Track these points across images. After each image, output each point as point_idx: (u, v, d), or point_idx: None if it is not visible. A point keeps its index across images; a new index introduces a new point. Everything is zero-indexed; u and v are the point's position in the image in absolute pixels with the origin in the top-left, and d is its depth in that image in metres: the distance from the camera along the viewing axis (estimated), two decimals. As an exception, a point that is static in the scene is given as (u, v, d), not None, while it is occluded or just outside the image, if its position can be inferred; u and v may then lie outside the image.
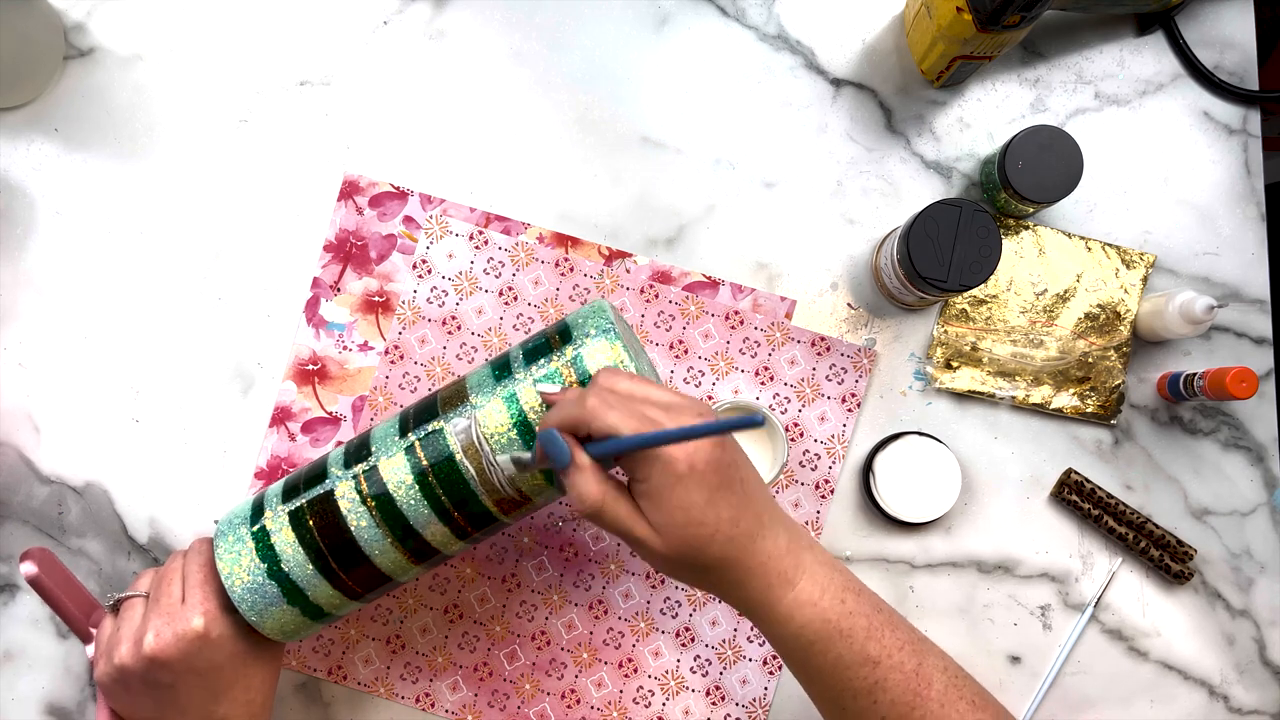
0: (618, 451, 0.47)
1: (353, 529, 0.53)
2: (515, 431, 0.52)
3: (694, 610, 0.69)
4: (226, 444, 0.70)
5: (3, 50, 0.65)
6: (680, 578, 0.51)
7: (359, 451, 0.55)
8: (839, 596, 0.51)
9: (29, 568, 0.58)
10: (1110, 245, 0.71)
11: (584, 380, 0.52)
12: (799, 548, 0.51)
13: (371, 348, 0.70)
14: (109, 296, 0.70)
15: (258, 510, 0.56)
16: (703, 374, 0.70)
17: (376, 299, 0.70)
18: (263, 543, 0.54)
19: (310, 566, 0.54)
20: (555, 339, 0.54)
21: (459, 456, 0.53)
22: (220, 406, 0.70)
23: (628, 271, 0.70)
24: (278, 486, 0.57)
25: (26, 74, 0.69)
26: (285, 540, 0.54)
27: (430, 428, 0.54)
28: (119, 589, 0.69)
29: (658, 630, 0.69)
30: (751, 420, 0.42)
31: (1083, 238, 0.71)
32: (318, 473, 0.56)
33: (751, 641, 0.69)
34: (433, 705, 0.68)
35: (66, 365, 0.70)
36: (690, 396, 0.51)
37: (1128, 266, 0.71)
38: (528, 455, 0.51)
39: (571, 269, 0.70)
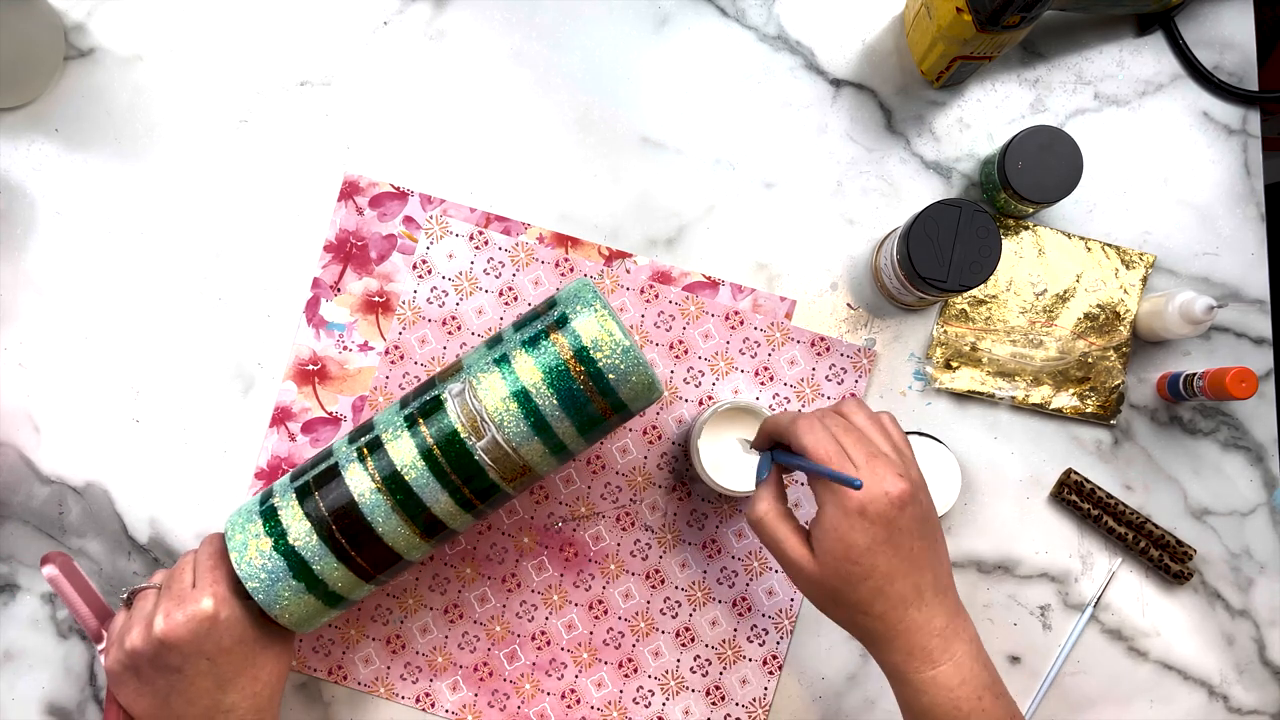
0: (793, 467, 0.55)
1: (358, 501, 0.55)
2: (515, 405, 0.54)
3: (694, 610, 0.69)
4: (226, 444, 0.70)
5: (3, 50, 0.65)
6: (826, 609, 0.54)
7: (362, 431, 0.58)
8: (978, 693, 0.52)
9: (50, 570, 0.61)
10: (1110, 245, 0.71)
11: (579, 352, 0.54)
12: (953, 634, 0.52)
13: (371, 348, 0.70)
14: (109, 296, 0.70)
15: (267, 494, 0.58)
16: (703, 374, 0.70)
17: (376, 299, 0.70)
18: (271, 520, 0.56)
19: (315, 537, 0.55)
20: (545, 316, 0.56)
21: (459, 427, 0.55)
22: (220, 406, 0.70)
23: (628, 272, 0.70)
24: (286, 476, 0.59)
25: (27, 74, 0.69)
26: (292, 515, 0.56)
27: (429, 402, 0.56)
28: (120, 589, 0.69)
29: (658, 630, 0.69)
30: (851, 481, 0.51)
31: (1082, 238, 0.71)
32: (324, 454, 0.58)
33: (751, 642, 0.69)
34: (433, 705, 0.68)
35: (66, 365, 0.70)
36: (907, 454, 0.55)
37: (1127, 267, 0.71)
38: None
39: (571, 269, 0.70)
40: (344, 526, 0.55)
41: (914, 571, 0.52)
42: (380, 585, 0.60)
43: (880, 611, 0.52)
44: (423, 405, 0.56)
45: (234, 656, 0.55)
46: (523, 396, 0.54)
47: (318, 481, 0.57)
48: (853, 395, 0.54)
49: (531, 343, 0.55)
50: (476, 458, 0.55)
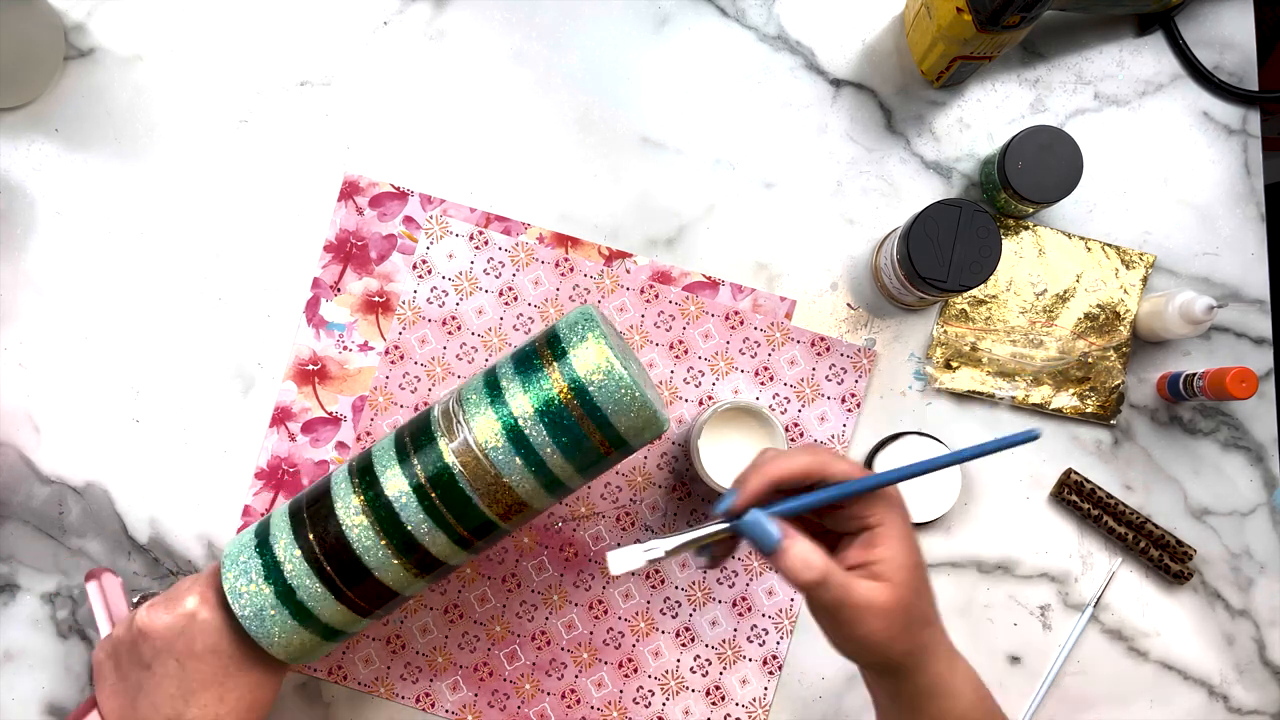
0: (836, 498, 0.47)
1: (354, 544, 0.54)
2: (506, 439, 0.52)
3: (694, 610, 0.69)
4: (226, 444, 0.70)
5: (3, 50, 0.65)
6: (894, 644, 0.48)
7: (357, 464, 0.56)
8: (979, 681, 0.52)
9: (92, 586, 0.62)
10: (1110, 245, 0.71)
11: (574, 385, 0.52)
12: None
13: (371, 348, 0.70)
14: (109, 296, 0.70)
15: (264, 526, 0.57)
16: (703, 374, 0.70)
17: (377, 299, 0.70)
18: (265, 551, 0.55)
19: (307, 571, 0.54)
20: (544, 347, 0.54)
21: (456, 469, 0.53)
22: (220, 406, 0.70)
23: (628, 271, 0.70)
24: (285, 506, 0.58)
25: (27, 74, 0.69)
26: (285, 548, 0.54)
27: (423, 437, 0.54)
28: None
29: (658, 630, 0.69)
30: (1029, 436, 0.44)
31: (1083, 238, 0.71)
32: (321, 488, 0.56)
33: (751, 642, 0.69)
34: (433, 705, 0.68)
35: (66, 365, 0.70)
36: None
37: (1127, 267, 0.71)
38: (704, 532, 0.50)
39: (571, 269, 0.70)
40: (336, 563, 0.54)
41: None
42: (377, 619, 0.58)
43: (934, 616, 0.50)
44: (416, 440, 0.55)
45: (203, 665, 0.54)
46: (514, 431, 0.52)
47: (310, 512, 0.55)
48: (821, 444, 0.52)
49: (525, 375, 0.53)
50: (469, 494, 0.53)
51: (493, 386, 0.54)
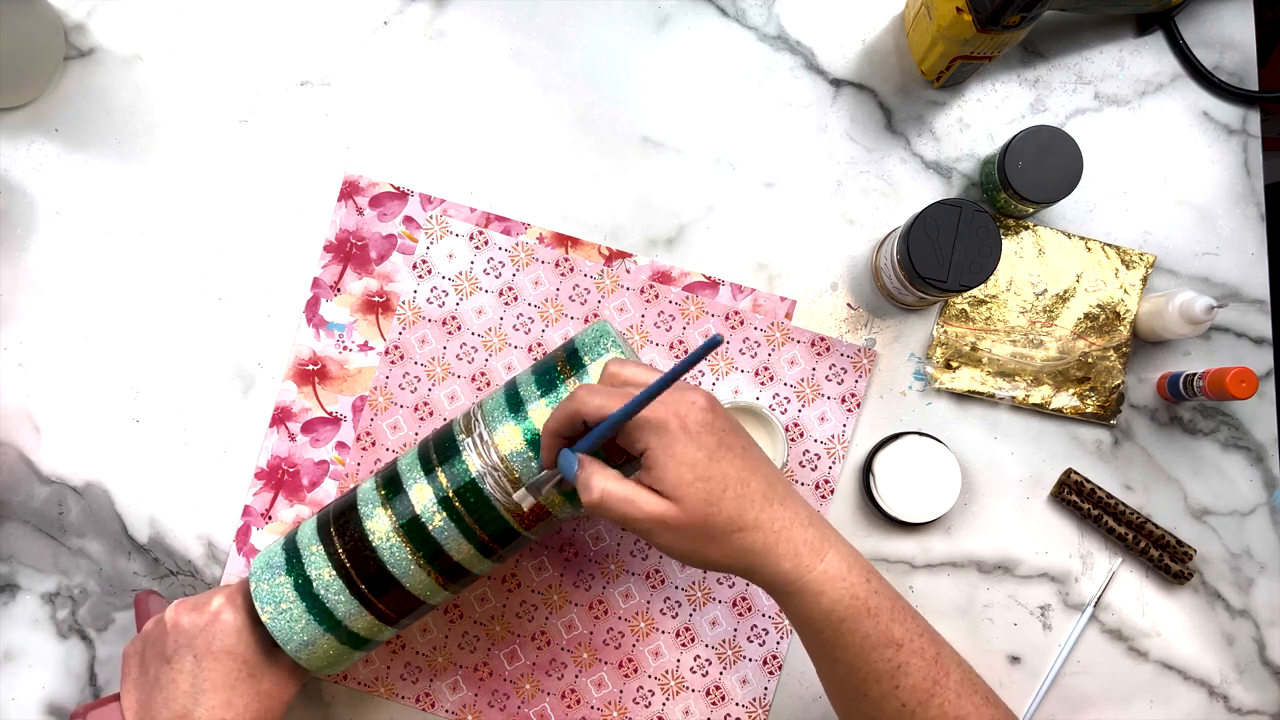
0: (609, 430, 0.48)
1: (383, 555, 0.55)
2: (531, 452, 0.54)
3: (694, 610, 0.69)
4: (226, 444, 0.70)
5: (3, 50, 0.65)
6: (701, 555, 0.49)
7: (384, 476, 0.57)
8: (864, 575, 0.50)
9: (139, 601, 0.63)
10: (1110, 245, 0.71)
11: None
12: (820, 521, 0.51)
13: (371, 348, 0.70)
14: (109, 296, 0.70)
15: (291, 539, 0.58)
16: (702, 374, 0.70)
17: (376, 299, 0.70)
18: (294, 562, 0.56)
19: (336, 582, 0.55)
20: (563, 362, 0.56)
21: (480, 480, 0.54)
22: (220, 406, 0.70)
23: (628, 271, 0.70)
24: (312, 519, 0.59)
25: (27, 74, 0.69)
26: (314, 559, 0.56)
27: (448, 450, 0.56)
28: (120, 589, 0.69)
29: (658, 630, 0.69)
30: (713, 342, 0.43)
31: (1083, 238, 0.71)
32: (348, 502, 0.58)
33: (751, 642, 0.69)
34: (433, 705, 0.68)
35: (66, 365, 0.70)
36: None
37: (1127, 266, 0.71)
38: (542, 475, 0.52)
39: (571, 269, 0.70)
40: (365, 574, 0.55)
41: (758, 467, 0.50)
42: (402, 628, 0.59)
43: (754, 519, 0.48)
44: (441, 452, 0.56)
45: (219, 666, 0.55)
46: (537, 443, 0.54)
47: (339, 528, 0.56)
48: (612, 360, 0.52)
49: (547, 388, 0.55)
50: (494, 504, 0.54)
51: (514, 399, 0.55)
